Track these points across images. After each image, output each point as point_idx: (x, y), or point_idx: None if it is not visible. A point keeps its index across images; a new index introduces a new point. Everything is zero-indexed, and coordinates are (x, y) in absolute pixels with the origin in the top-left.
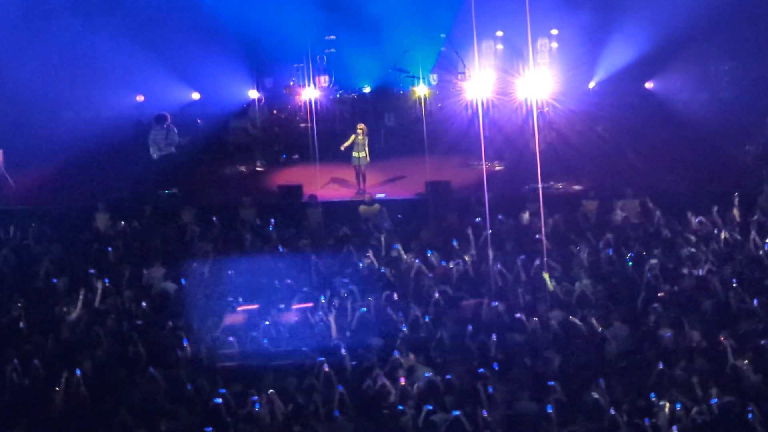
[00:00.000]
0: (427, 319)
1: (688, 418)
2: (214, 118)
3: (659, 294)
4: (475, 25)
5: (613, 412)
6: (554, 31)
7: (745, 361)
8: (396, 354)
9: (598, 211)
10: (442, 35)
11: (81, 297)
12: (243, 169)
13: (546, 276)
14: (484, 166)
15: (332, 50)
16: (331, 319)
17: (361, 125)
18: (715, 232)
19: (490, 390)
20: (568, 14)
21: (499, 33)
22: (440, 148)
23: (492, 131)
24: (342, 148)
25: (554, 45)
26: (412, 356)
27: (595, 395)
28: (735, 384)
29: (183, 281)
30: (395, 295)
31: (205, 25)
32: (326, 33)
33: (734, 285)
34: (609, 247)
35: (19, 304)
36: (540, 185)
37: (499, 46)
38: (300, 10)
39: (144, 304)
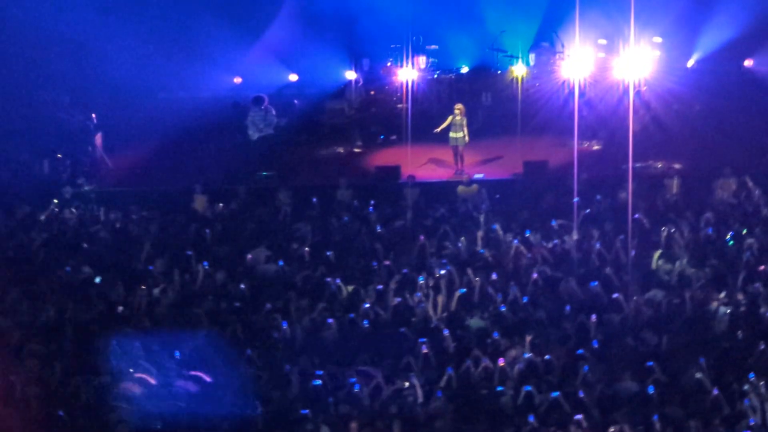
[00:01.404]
0: (525, 300)
1: None
2: (311, 99)
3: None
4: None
5: (716, 392)
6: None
7: None
8: (495, 335)
9: (696, 190)
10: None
11: (178, 279)
12: (340, 150)
13: (656, 255)
14: (578, 146)
15: (434, 47)
16: (431, 299)
17: (458, 105)
18: None
19: (587, 369)
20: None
21: (598, 12)
22: (537, 127)
23: (589, 111)
24: (437, 130)
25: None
26: (511, 338)
27: (697, 375)
28: None
29: (281, 263)
30: (494, 276)
31: (301, 5)
32: (425, 13)
33: None
34: (709, 226)
35: (119, 286)
36: (638, 164)
37: (599, 28)
38: None
39: (243, 286)
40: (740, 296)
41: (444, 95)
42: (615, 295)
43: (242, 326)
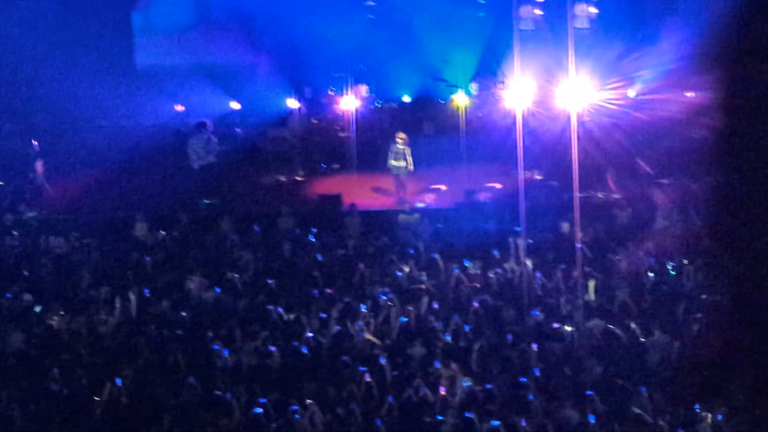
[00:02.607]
0: (467, 329)
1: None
2: (254, 127)
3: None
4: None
5: (654, 422)
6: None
7: None
8: (437, 364)
9: (637, 219)
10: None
11: (119, 306)
12: (283, 178)
13: (590, 284)
14: (522, 175)
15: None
16: (371, 328)
17: (401, 134)
18: None
19: (531, 398)
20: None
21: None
22: (479, 157)
23: (531, 140)
24: (389, 164)
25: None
26: (452, 366)
27: (636, 407)
28: None
29: (220, 290)
30: (435, 305)
31: (245, 34)
32: (366, 43)
33: None
34: (650, 255)
35: (61, 313)
36: (580, 194)
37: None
38: (339, 21)
39: (184, 313)
40: (680, 325)
41: (386, 124)
42: (555, 325)
43: (183, 354)
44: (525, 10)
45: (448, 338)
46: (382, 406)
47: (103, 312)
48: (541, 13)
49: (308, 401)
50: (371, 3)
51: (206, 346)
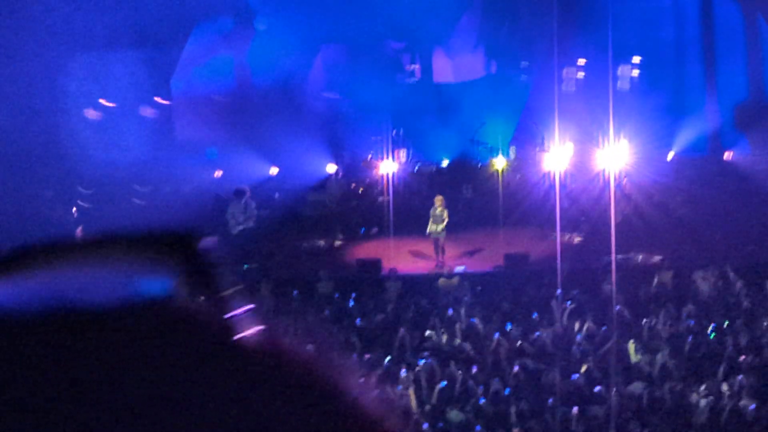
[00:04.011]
0: (507, 392)
1: None
2: (292, 192)
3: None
4: (557, 98)
5: None
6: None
7: None
8: (478, 428)
9: (677, 281)
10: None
11: None
12: (322, 242)
13: (631, 346)
14: (559, 238)
15: (400, 130)
16: (412, 392)
17: (438, 197)
18: None
19: None
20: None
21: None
22: (518, 220)
23: (570, 203)
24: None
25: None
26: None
27: None
28: None
29: None
30: (475, 368)
31: (282, 100)
32: (405, 106)
33: None
34: (690, 318)
35: None
36: (619, 256)
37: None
38: (378, 84)
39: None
40: (722, 388)
41: (425, 187)
42: (597, 388)
43: None
44: (567, 72)
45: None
46: None
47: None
48: (583, 74)
49: None
50: (412, 67)
51: None
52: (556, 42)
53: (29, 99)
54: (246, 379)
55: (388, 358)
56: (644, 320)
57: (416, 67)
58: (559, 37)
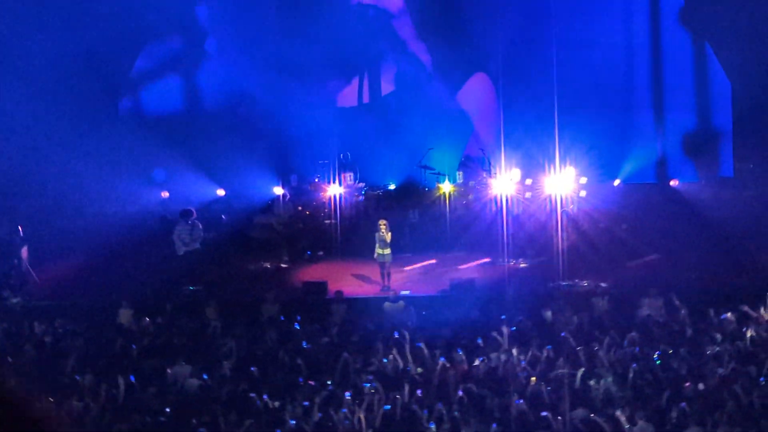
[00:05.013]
0: (451, 417)
1: None
2: (239, 214)
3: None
4: (502, 123)
5: None
6: None
7: None
8: None
9: (622, 308)
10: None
11: (103, 393)
12: (268, 265)
13: (579, 373)
14: (506, 263)
15: (347, 154)
16: (357, 416)
17: (382, 221)
18: (743, 329)
19: None
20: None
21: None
22: (464, 244)
23: (516, 228)
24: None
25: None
26: None
27: None
28: None
29: (206, 377)
30: (419, 392)
31: (229, 120)
32: (352, 130)
33: (762, 383)
34: (634, 345)
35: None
36: (564, 283)
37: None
38: (325, 108)
39: (167, 400)
40: (665, 414)
41: (371, 211)
42: (543, 413)
43: None
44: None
45: (432, 426)
46: None
47: (88, 399)
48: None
49: None
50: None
51: None
52: (502, 66)
53: None
54: None
55: (329, 381)
56: (586, 346)
57: (364, 90)
58: (504, 62)
